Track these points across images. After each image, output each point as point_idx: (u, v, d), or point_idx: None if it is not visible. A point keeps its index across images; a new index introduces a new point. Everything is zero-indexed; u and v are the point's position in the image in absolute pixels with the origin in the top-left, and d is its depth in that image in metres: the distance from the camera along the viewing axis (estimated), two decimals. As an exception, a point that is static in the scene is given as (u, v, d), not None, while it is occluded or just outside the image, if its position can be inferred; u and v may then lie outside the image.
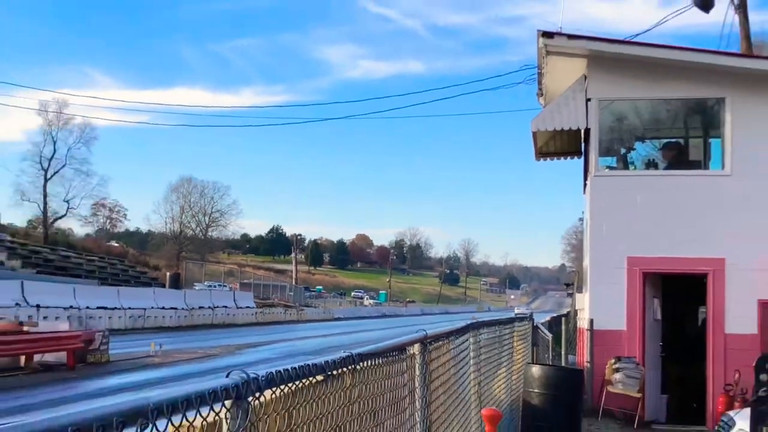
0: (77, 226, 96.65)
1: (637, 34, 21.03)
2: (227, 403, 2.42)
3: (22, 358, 23.74)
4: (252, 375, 2.55)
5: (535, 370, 13.45)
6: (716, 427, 9.94)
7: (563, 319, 23.14)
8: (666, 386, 17.05)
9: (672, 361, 17.13)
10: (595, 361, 16.59)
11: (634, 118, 17.61)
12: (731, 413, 9.73)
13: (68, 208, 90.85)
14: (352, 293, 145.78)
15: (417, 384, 5.30)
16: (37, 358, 24.06)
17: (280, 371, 2.84)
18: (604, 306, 16.84)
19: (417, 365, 5.30)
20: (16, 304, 38.70)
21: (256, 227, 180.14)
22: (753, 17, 20.89)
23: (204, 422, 2.42)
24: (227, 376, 2.46)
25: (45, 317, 34.53)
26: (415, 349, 5.32)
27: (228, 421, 2.49)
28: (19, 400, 17.45)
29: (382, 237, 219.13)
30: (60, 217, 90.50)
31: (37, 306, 39.30)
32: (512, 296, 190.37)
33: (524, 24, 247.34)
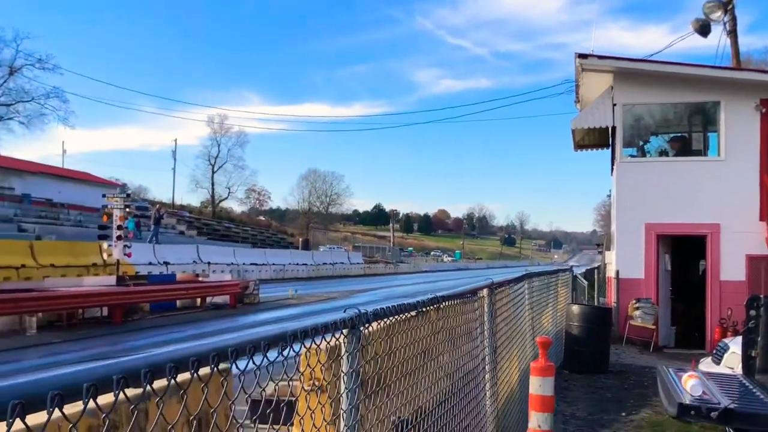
0: (235, 206, 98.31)
1: (652, 54, 20.55)
2: (344, 331, 2.42)
3: (198, 300, 24.37)
4: (362, 311, 2.54)
5: (575, 308, 13.38)
6: (714, 351, 9.66)
7: (595, 270, 22.83)
8: (674, 320, 16.88)
9: (679, 301, 16.94)
10: (620, 302, 16.53)
11: (649, 118, 17.35)
12: (726, 340, 9.49)
13: (229, 192, 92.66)
14: (432, 253, 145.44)
15: (485, 318, 5.27)
16: (208, 300, 24.64)
17: (383, 308, 2.84)
18: (627, 260, 16.71)
19: (485, 305, 5.27)
20: (194, 261, 39.81)
21: (364, 204, 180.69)
22: (741, 39, 20.23)
23: (328, 345, 2.41)
24: (344, 312, 2.45)
25: (213, 271, 35.29)
26: (484, 292, 5.27)
27: (345, 345, 2.48)
28: (197, 329, 17.90)
29: (456, 210, 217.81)
30: (223, 199, 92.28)
31: (208, 263, 40.25)
32: (555, 255, 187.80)
33: (565, 49, 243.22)
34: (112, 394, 1.39)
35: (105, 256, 28.67)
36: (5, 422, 1.15)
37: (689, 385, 5.78)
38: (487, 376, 5.31)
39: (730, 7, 19.76)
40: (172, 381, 1.56)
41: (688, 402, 5.48)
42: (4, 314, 16.56)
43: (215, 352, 1.69)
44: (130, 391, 1.44)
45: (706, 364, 8.96)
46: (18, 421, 1.15)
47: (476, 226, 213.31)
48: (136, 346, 15.25)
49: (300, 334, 2.05)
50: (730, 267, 15.91)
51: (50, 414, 1.23)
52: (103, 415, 1.42)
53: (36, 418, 1.21)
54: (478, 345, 5.28)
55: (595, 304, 17.85)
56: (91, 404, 1.33)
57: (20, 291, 18.48)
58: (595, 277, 21.46)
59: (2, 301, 16.50)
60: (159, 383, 1.54)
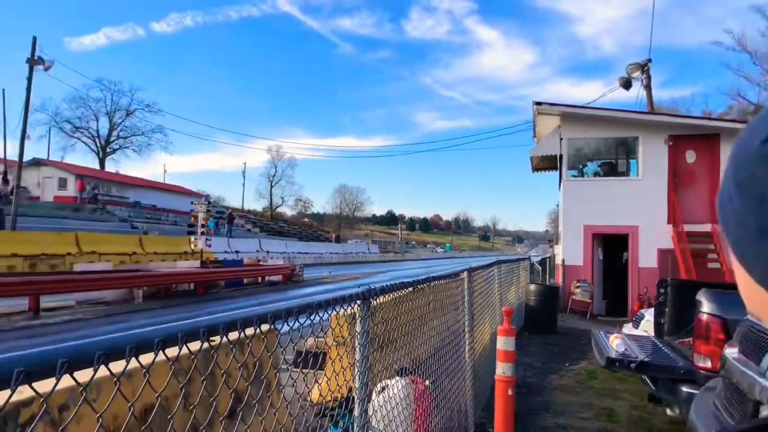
0: (287, 210, 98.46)
1: (589, 102, 20.50)
2: (358, 302, 2.40)
3: (259, 278, 24.38)
4: (371, 287, 2.53)
5: (532, 286, 13.28)
6: (633, 318, 9.59)
7: (547, 260, 22.71)
8: (605, 295, 16.75)
9: (609, 281, 16.79)
10: (566, 282, 16.44)
11: (586, 148, 17.26)
12: (642, 311, 9.39)
13: (282, 201, 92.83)
14: (427, 246, 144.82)
15: (465, 294, 5.24)
16: (267, 278, 24.69)
17: (388, 285, 2.81)
18: (570, 252, 16.61)
19: (465, 284, 5.23)
20: (257, 250, 39.81)
21: (380, 210, 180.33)
22: (655, 92, 20.12)
23: (349, 311, 2.40)
24: (359, 288, 2.44)
25: (271, 257, 35.34)
26: (464, 275, 5.24)
27: (358, 311, 2.47)
28: (258, 300, 17.89)
29: (447, 214, 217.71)
30: (278, 206, 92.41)
31: (267, 251, 40.28)
32: (519, 248, 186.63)
33: (526, 98, 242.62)
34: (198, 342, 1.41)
35: (192, 246, 28.80)
36: (123, 360, 1.16)
37: (615, 343, 5.74)
38: (466, 336, 5.29)
39: (646, 68, 19.66)
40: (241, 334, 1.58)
41: (613, 356, 5.44)
42: (120, 287, 16.66)
43: (271, 314, 1.70)
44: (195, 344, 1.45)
45: (628, 329, 8.88)
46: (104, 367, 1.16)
47: (461, 226, 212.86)
48: (215, 310, 15.31)
49: (324, 303, 2.05)
50: (645, 257, 15.80)
51: (155, 357, 1.23)
52: (192, 356, 1.43)
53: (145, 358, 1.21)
54: (460, 313, 5.26)
55: (547, 283, 17.76)
56: (184, 350, 1.35)
57: (132, 271, 18.60)
58: (547, 264, 21.35)
59: (120, 278, 16.60)
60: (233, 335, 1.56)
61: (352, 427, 2.42)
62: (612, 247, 17.19)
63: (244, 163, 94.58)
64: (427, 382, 4.08)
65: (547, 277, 19.87)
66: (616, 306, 16.34)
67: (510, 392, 4.60)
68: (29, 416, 2.17)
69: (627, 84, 19.70)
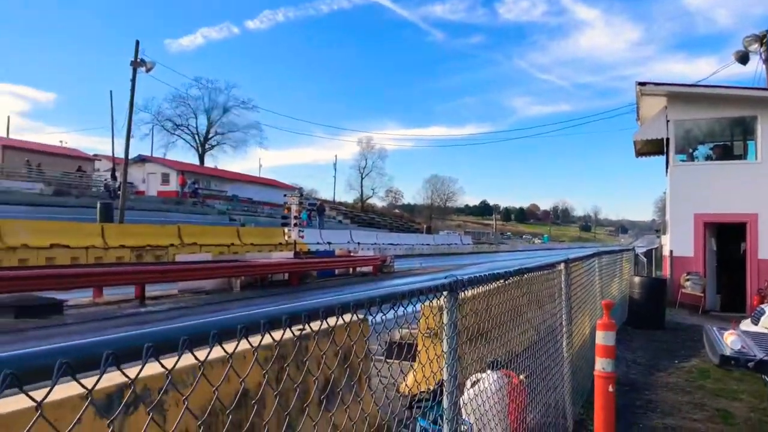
0: (378, 202, 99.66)
1: (700, 80, 19.23)
2: (445, 293, 2.37)
3: (350, 269, 24.81)
4: (459, 278, 2.48)
5: (636, 279, 12.71)
6: (752, 314, 8.93)
7: (653, 251, 21.61)
8: (719, 289, 15.73)
9: (724, 274, 15.75)
10: (674, 275, 15.57)
11: (697, 131, 16.19)
12: (763, 306, 8.72)
13: (373, 192, 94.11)
14: (523, 236, 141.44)
15: (563, 286, 5.07)
16: (357, 269, 25.09)
17: (474, 276, 2.75)
18: (679, 242, 15.70)
19: (562, 276, 5.06)
20: (348, 241, 40.57)
21: (473, 200, 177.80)
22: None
23: (436, 304, 2.38)
24: (445, 278, 2.41)
25: (361, 248, 35.89)
26: (561, 266, 5.07)
27: (445, 303, 2.44)
28: (350, 290, 18.23)
29: (544, 204, 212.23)
30: (369, 198, 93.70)
31: (358, 243, 40.93)
32: (622, 239, 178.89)
33: (629, 78, 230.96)
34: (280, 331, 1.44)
35: (286, 237, 29.73)
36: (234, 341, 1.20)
37: (730, 340, 5.37)
38: (564, 329, 5.13)
39: (766, 40, 18.15)
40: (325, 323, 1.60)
41: (728, 354, 5.10)
42: (220, 277, 17.50)
43: (354, 302, 1.71)
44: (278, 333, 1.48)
45: (745, 325, 8.27)
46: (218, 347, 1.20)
47: (560, 216, 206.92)
48: (307, 299, 15.76)
49: (408, 293, 2.03)
50: (765, 248, 14.69)
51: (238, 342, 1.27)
52: (275, 343, 1.46)
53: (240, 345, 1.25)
54: (557, 306, 5.12)
55: (653, 276, 16.90)
56: (267, 339, 1.38)
57: (230, 261, 19.49)
58: (653, 255, 20.33)
59: (219, 269, 17.47)
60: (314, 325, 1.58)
61: (441, 419, 2.40)
62: (726, 237, 16.07)
63: (335, 156, 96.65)
64: (521, 377, 3.99)
65: (654, 270, 18.92)
66: (731, 301, 15.29)
67: (610, 389, 4.41)
68: (133, 398, 2.31)
69: (743, 58, 18.26)
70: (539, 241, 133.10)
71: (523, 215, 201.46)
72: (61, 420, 1.86)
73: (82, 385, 1.01)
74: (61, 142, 57.54)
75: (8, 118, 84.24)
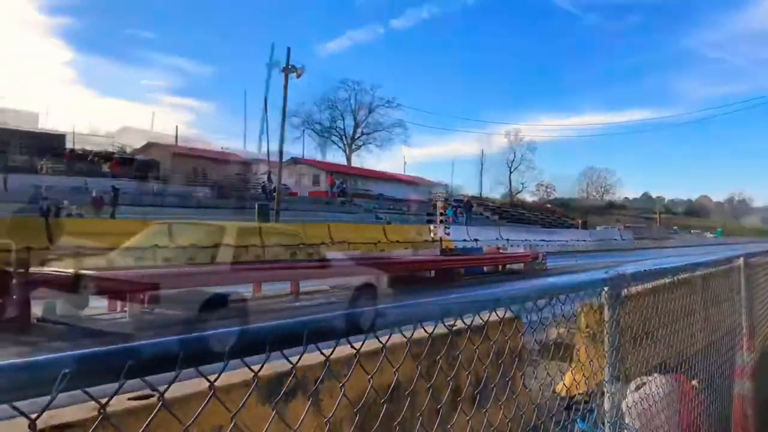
0: (528, 196, 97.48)
1: None
2: (606, 289, 2.25)
3: (500, 267, 24.46)
4: (621, 272, 2.35)
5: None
6: None
7: None
8: None
9: None
10: None
11: None
12: None
13: (523, 187, 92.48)
14: (692, 231, 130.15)
15: (742, 284, 4.63)
16: (507, 266, 24.68)
17: (639, 271, 2.58)
18: None
19: (741, 272, 4.62)
20: (496, 238, 40.02)
21: (633, 192, 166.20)
22: None
23: (592, 309, 2.28)
24: (606, 273, 2.29)
25: (511, 245, 35.26)
26: (740, 262, 4.63)
27: (606, 300, 2.31)
28: (501, 286, 17.93)
29: (717, 195, 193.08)
30: (518, 192, 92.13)
31: (507, 239, 40.25)
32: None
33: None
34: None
35: (432, 234, 30.08)
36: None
37: None
38: (744, 331, 4.68)
39: None
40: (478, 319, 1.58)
41: None
42: (368, 274, 18.08)
43: (507, 298, 1.67)
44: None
45: None
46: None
47: (736, 208, 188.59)
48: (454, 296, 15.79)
49: (564, 288, 1.95)
50: None
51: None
52: (428, 336, 1.48)
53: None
54: (736, 306, 4.68)
55: None
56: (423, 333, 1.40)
57: (377, 258, 20.04)
58: None
59: (367, 265, 18.04)
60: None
61: (602, 423, 2.28)
62: None
63: (482, 150, 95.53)
64: (693, 382, 3.70)
65: None
66: None
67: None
68: (293, 386, 2.44)
69: None
70: (712, 236, 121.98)
71: (692, 208, 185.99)
72: (229, 402, 2.01)
73: (250, 368, 1.08)
74: (222, 148, 62.42)
75: (176, 127, 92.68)
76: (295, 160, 55.64)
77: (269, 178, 43.81)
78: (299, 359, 1.17)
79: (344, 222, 33.76)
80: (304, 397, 2.48)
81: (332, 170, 55.21)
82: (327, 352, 1.26)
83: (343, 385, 1.36)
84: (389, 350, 1.40)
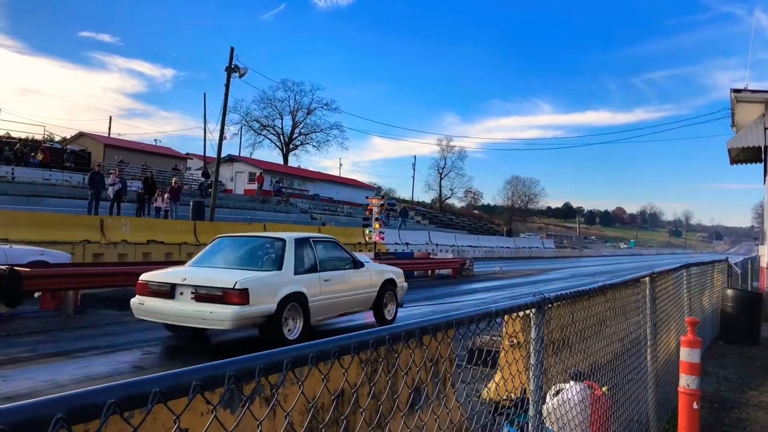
0: (456, 202, 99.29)
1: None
2: (533, 309, 2.53)
3: (429, 272, 24.93)
4: (546, 295, 2.64)
5: (729, 292, 12.19)
6: None
7: (749, 261, 20.52)
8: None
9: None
10: (772, 288, 14.81)
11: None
12: None
13: (452, 193, 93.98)
14: (607, 242, 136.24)
15: (648, 300, 5.08)
16: (436, 272, 25.17)
17: (561, 293, 2.90)
18: (778, 253, 14.92)
19: (647, 289, 5.07)
20: (426, 242, 40.68)
21: (555, 203, 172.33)
22: None
23: (518, 317, 2.54)
24: (534, 296, 2.56)
25: (440, 250, 35.95)
26: (646, 280, 5.08)
27: (533, 318, 2.59)
28: (429, 292, 18.35)
29: (631, 207, 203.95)
30: (447, 198, 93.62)
31: (436, 244, 40.97)
32: (716, 246, 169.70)
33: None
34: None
35: (366, 238, 30.31)
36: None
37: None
38: (648, 343, 5.13)
39: None
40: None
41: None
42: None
43: (445, 323, 1.91)
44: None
45: None
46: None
47: (647, 220, 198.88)
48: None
49: (501, 312, 2.21)
50: None
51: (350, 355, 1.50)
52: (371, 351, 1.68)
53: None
54: (641, 319, 5.12)
55: (749, 288, 16.11)
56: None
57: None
58: (749, 266, 19.32)
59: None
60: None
61: (527, 427, 2.57)
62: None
63: (414, 157, 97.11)
64: (604, 389, 4.07)
65: (750, 281, 18.00)
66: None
67: (695, 406, 4.40)
68: (251, 390, 2.62)
69: None
70: (625, 246, 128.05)
71: (608, 218, 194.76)
72: (191, 408, 2.18)
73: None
74: (156, 141, 60.79)
75: (110, 118, 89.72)
76: (231, 158, 54.74)
77: (205, 174, 42.98)
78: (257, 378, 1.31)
79: (280, 222, 33.54)
80: (260, 400, 2.66)
81: (269, 169, 54.63)
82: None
83: (302, 391, 1.54)
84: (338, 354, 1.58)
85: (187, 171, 53.59)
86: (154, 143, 60.64)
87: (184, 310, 8.23)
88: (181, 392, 1.10)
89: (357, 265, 10.63)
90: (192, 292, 8.25)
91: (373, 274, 10.96)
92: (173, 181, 29.62)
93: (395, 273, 11.87)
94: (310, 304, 9.04)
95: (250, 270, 8.80)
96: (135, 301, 8.87)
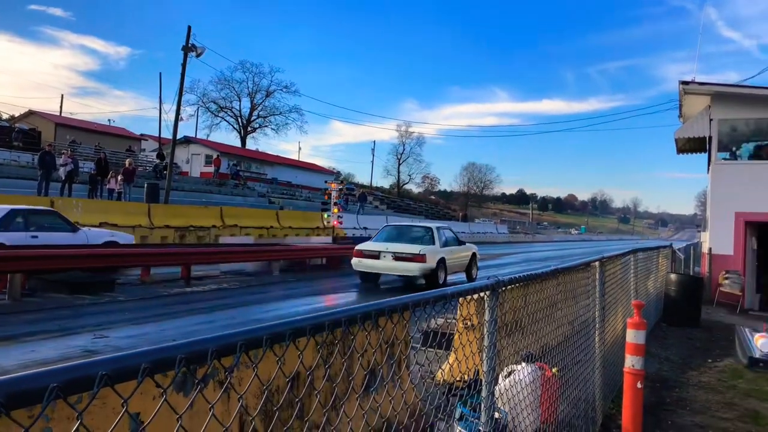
0: (414, 188, 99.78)
1: (745, 79, 18.80)
2: (487, 292, 2.55)
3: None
4: (500, 279, 2.66)
5: (673, 276, 12.62)
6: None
7: (691, 247, 21.28)
8: (759, 288, 15.50)
9: (765, 273, 15.50)
10: (712, 273, 15.41)
11: (742, 129, 15.89)
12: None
13: (410, 178, 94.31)
14: (558, 228, 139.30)
15: (597, 283, 5.20)
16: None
17: (516, 276, 2.93)
18: (719, 240, 15.54)
19: (597, 273, 5.18)
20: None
21: (510, 189, 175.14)
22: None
23: (472, 299, 2.56)
24: (488, 279, 2.58)
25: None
26: (596, 264, 5.19)
27: (487, 301, 2.61)
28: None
29: (582, 194, 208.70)
30: (405, 183, 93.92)
31: (396, 230, 41.01)
32: (662, 233, 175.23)
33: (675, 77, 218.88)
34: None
35: (324, 222, 30.17)
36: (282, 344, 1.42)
37: (760, 342, 5.43)
38: (597, 325, 5.26)
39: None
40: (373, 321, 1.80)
41: (758, 356, 5.16)
42: (260, 260, 17.93)
43: (401, 305, 1.90)
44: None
45: (782, 327, 8.23)
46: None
47: (598, 207, 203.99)
48: (344, 285, 16.07)
49: (456, 293, 2.22)
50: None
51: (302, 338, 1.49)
52: (327, 333, 1.67)
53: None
54: (591, 302, 5.24)
55: (691, 273, 16.71)
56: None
57: (270, 245, 19.94)
58: (692, 252, 20.05)
59: (261, 252, 17.92)
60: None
61: (480, 408, 2.60)
62: (769, 235, 15.82)
63: (374, 142, 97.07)
64: (554, 370, 4.16)
65: (692, 266, 18.68)
66: (772, 300, 15.11)
67: (639, 385, 4.55)
68: (203, 374, 2.58)
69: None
70: (576, 232, 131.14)
71: (561, 205, 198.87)
72: (143, 391, 2.12)
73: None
74: (109, 121, 59.03)
75: (62, 96, 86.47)
76: (188, 139, 53.57)
77: (160, 156, 41.98)
78: (208, 368, 1.27)
79: (237, 205, 33.09)
80: (215, 383, 2.62)
81: (226, 151, 53.66)
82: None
83: (256, 374, 1.51)
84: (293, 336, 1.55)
85: (142, 152, 52.22)
86: (107, 123, 58.97)
87: (387, 265, 14.81)
88: (129, 375, 1.06)
89: (461, 243, 16.92)
90: (393, 256, 14.71)
91: (467, 249, 17.06)
92: (127, 163, 28.83)
93: (475, 249, 17.85)
94: (447, 264, 15.23)
95: (420, 245, 14.96)
96: (355, 260, 15.48)
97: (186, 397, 2.41)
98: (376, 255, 14.96)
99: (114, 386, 1.02)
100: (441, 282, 14.62)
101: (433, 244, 15.13)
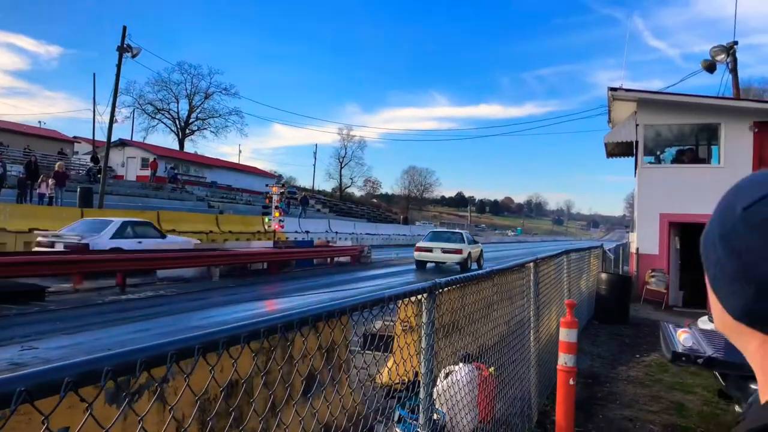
0: (356, 191, 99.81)
1: (668, 87, 19.71)
2: (425, 294, 2.57)
3: (329, 259, 24.92)
4: (437, 281, 2.69)
5: (603, 275, 13.08)
6: (710, 312, 9.26)
7: (620, 247, 22.14)
8: (682, 285, 16.22)
9: (687, 271, 16.23)
10: (640, 271, 16.08)
11: (665, 134, 16.67)
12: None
13: (352, 182, 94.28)
14: (495, 230, 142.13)
15: (531, 284, 5.32)
16: (336, 259, 25.20)
17: (450, 279, 2.96)
18: (645, 240, 16.22)
19: (531, 274, 5.31)
20: (326, 231, 40.61)
21: (449, 192, 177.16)
22: (740, 74, 19.08)
23: (411, 302, 2.58)
24: (425, 281, 2.61)
25: (340, 238, 36.03)
26: (531, 266, 5.31)
27: (425, 303, 2.64)
28: (328, 279, 18.33)
29: (518, 197, 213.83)
30: (347, 187, 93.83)
31: (336, 232, 41.02)
32: (594, 233, 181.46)
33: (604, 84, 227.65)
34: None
35: (266, 226, 29.79)
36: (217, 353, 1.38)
37: (682, 337, 5.69)
38: (531, 325, 5.39)
39: (732, 51, 18.68)
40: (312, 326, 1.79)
41: (680, 350, 5.41)
42: (198, 266, 17.53)
43: (338, 310, 1.90)
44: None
45: (703, 322, 8.63)
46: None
47: (533, 210, 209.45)
48: (286, 289, 15.89)
49: (395, 296, 2.23)
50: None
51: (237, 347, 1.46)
52: (265, 340, 1.64)
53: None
54: (525, 302, 5.36)
55: (620, 272, 17.37)
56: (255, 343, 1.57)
57: (209, 250, 19.51)
58: (621, 252, 20.85)
59: (200, 257, 17.48)
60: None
61: (418, 409, 2.62)
62: (691, 236, 16.60)
63: (315, 145, 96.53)
64: (491, 369, 4.23)
65: (621, 266, 19.42)
66: (695, 298, 15.83)
67: (571, 382, 4.69)
68: (138, 386, 2.49)
69: (710, 68, 18.86)
70: (512, 233, 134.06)
71: (498, 208, 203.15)
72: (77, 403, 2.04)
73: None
74: (40, 122, 56.44)
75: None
76: (123, 142, 51.81)
77: (93, 159, 40.45)
78: (137, 380, 1.24)
79: (174, 210, 32.22)
80: (150, 395, 2.54)
81: (163, 154, 52.18)
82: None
83: (187, 377, 1.46)
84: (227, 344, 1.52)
85: (75, 155, 50.17)
86: (38, 125, 56.41)
87: (438, 256, 21.99)
88: (52, 390, 1.02)
89: (475, 242, 24.70)
90: (441, 250, 21.91)
91: (479, 246, 24.83)
92: (58, 166, 27.61)
93: (482, 246, 25.59)
94: (471, 255, 22.40)
95: (457, 243, 22.26)
96: (416, 253, 22.53)
97: (119, 408, 2.32)
98: (429, 249, 22.14)
99: (34, 402, 0.98)
100: (469, 267, 21.78)
101: (464, 242, 22.38)
